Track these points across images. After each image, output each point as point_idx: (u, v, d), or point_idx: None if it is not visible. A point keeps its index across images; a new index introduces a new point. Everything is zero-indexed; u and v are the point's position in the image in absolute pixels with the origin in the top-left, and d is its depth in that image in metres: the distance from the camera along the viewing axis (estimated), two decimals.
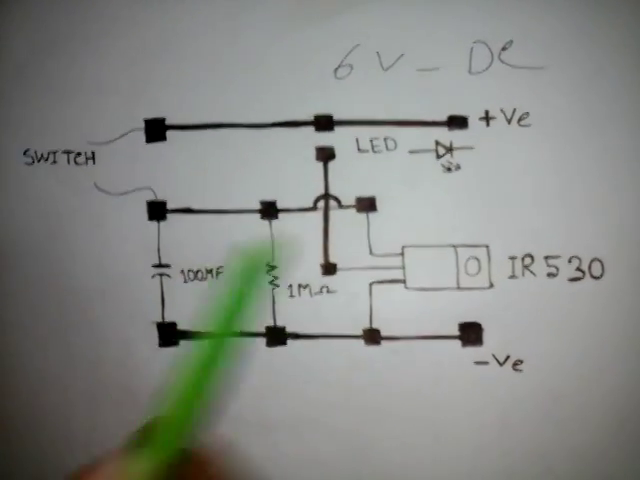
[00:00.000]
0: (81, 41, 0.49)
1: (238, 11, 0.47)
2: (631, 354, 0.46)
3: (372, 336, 0.48)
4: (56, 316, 0.51)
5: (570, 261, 0.46)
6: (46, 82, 0.49)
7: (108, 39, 0.49)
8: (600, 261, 0.46)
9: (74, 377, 0.51)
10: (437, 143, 0.47)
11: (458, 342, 0.48)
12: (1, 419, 0.52)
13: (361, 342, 0.48)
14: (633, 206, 0.46)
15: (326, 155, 0.47)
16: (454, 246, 0.47)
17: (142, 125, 0.49)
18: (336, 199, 0.48)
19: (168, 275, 0.50)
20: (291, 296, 0.49)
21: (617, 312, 0.46)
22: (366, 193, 0.48)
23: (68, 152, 0.50)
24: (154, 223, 0.50)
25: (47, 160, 0.50)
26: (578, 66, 0.45)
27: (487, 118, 0.46)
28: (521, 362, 0.47)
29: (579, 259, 0.46)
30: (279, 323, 0.49)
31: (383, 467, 0.49)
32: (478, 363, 0.48)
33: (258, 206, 0.49)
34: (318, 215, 0.48)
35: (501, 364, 0.47)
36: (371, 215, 0.48)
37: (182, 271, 0.50)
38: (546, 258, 0.46)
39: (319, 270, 0.48)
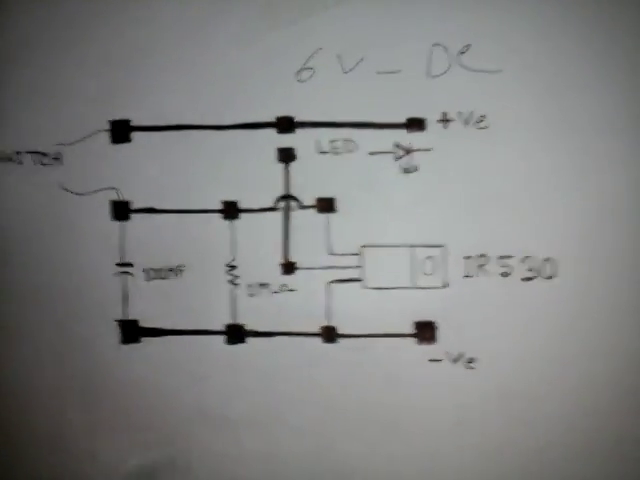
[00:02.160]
0: (50, 46, 0.47)
1: (204, 16, 0.45)
2: (582, 353, 0.44)
3: (329, 334, 0.46)
4: (22, 313, 0.48)
5: (523, 261, 0.44)
6: (14, 85, 0.47)
7: (77, 45, 0.47)
8: (552, 261, 0.44)
9: (40, 372, 0.49)
10: (396, 145, 0.45)
11: (413, 340, 0.45)
12: None
13: (319, 340, 0.46)
14: (584, 208, 0.44)
15: (287, 156, 0.46)
16: (411, 246, 0.45)
17: (108, 126, 0.47)
18: (296, 199, 0.46)
19: (131, 274, 0.47)
20: (251, 295, 0.46)
21: (568, 311, 0.44)
22: (326, 194, 0.46)
23: (33, 152, 0.47)
24: (117, 223, 0.47)
25: (12, 160, 0.47)
26: (534, 70, 0.44)
27: (445, 120, 0.44)
28: (473, 360, 0.45)
29: (532, 259, 0.44)
30: (239, 321, 0.47)
31: (341, 461, 0.47)
32: (432, 360, 0.45)
33: (220, 206, 0.46)
34: (278, 215, 0.46)
35: (454, 362, 0.45)
36: (330, 215, 0.46)
37: (144, 270, 0.47)
38: (500, 258, 0.44)
39: (279, 269, 0.46)
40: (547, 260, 0.44)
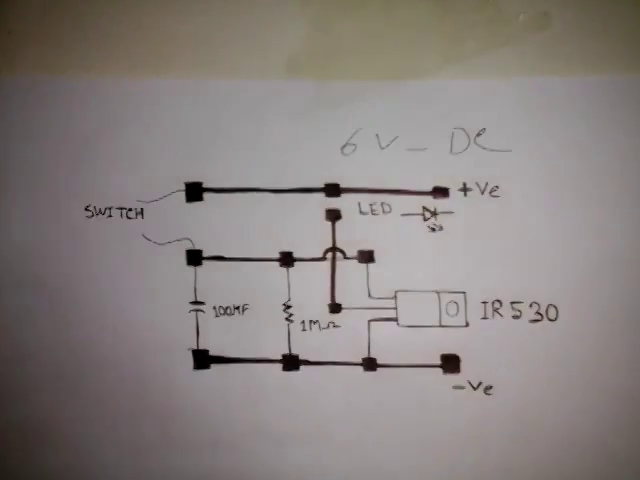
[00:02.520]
0: (134, 122, 0.51)
1: (264, 97, 0.50)
2: (580, 383, 0.48)
3: (370, 364, 0.49)
4: (109, 344, 0.52)
5: (531, 306, 0.48)
6: (104, 153, 0.51)
7: (156, 120, 0.50)
8: (555, 306, 0.48)
9: (123, 394, 0.53)
10: (424, 208, 0.48)
11: (440, 370, 0.49)
12: (54, 429, 0.53)
13: (360, 369, 0.50)
14: (582, 263, 0.48)
15: (334, 216, 0.49)
16: (437, 292, 0.49)
17: (183, 187, 0.50)
18: (341, 251, 0.49)
19: (202, 310, 0.50)
20: (303, 330, 0.50)
21: (569, 348, 0.48)
22: (366, 247, 0.49)
23: (121, 208, 0.51)
24: (192, 268, 0.50)
25: (104, 214, 0.51)
26: (538, 149, 0.48)
27: (465, 189, 0.48)
28: (491, 387, 0.49)
29: (538, 304, 0.48)
30: (294, 352, 0.50)
31: (374, 474, 0.50)
32: (456, 387, 0.49)
33: (278, 256, 0.50)
34: (327, 264, 0.49)
35: (475, 389, 0.49)
36: (370, 265, 0.49)
37: (214, 307, 0.50)
38: (512, 303, 0.48)
39: (327, 309, 0.49)
40: (551, 305, 0.48)
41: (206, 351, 0.51)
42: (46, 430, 0.53)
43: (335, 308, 0.49)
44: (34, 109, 0.52)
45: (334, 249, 0.49)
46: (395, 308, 0.49)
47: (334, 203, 0.49)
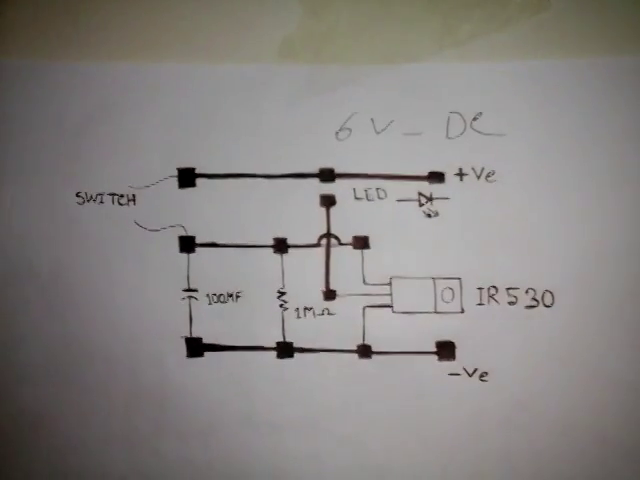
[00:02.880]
0: (126, 107, 0.50)
1: (258, 83, 0.49)
2: (577, 369, 0.48)
3: (365, 351, 0.49)
4: (102, 333, 0.52)
5: (527, 292, 0.48)
6: (97, 139, 0.51)
7: (148, 106, 0.50)
8: (551, 292, 0.48)
9: (116, 383, 0.52)
10: (419, 194, 0.48)
11: (435, 357, 0.49)
12: (50, 420, 0.53)
13: (355, 356, 0.50)
14: (579, 249, 0.48)
15: (328, 202, 0.49)
16: (433, 278, 0.48)
17: (176, 173, 0.50)
18: (336, 238, 0.49)
19: (196, 298, 0.50)
20: (298, 317, 0.50)
21: (565, 334, 0.48)
22: (361, 233, 0.49)
23: (113, 194, 0.51)
24: (184, 255, 0.50)
25: (95, 200, 0.51)
26: (533, 133, 0.48)
27: (461, 174, 0.48)
28: (486, 374, 0.49)
29: (534, 290, 0.48)
30: (288, 339, 0.50)
31: (371, 462, 0.50)
32: (451, 374, 0.49)
33: (272, 242, 0.50)
34: (321, 250, 0.49)
35: (470, 375, 0.49)
36: (365, 251, 0.49)
37: (207, 295, 0.50)
38: (507, 289, 0.48)
39: (321, 296, 0.49)
40: (547, 291, 0.47)
41: (199, 339, 0.51)
42: (38, 420, 0.53)
43: (330, 295, 0.49)
44: (26, 94, 0.51)
45: (329, 235, 0.49)
46: (390, 294, 0.49)
47: (329, 189, 0.49)
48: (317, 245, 0.50)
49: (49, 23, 0.51)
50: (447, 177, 0.48)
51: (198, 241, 0.50)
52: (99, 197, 0.51)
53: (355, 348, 0.49)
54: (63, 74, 0.51)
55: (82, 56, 0.51)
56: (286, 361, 0.50)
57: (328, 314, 0.49)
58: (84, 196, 0.51)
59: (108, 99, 0.50)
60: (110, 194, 0.51)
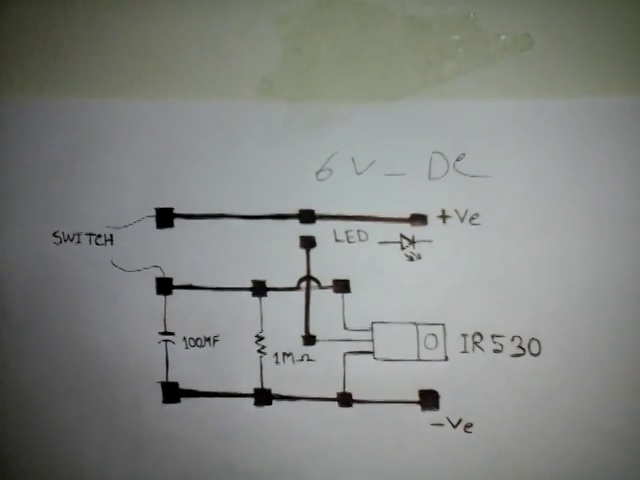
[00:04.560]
0: (103, 145, 0.49)
1: (237, 122, 0.48)
2: (564, 418, 0.47)
3: (345, 399, 0.48)
4: (73, 374, 0.51)
5: (513, 340, 0.47)
6: (73, 177, 0.50)
7: (126, 143, 0.49)
8: (537, 341, 0.47)
9: (88, 428, 0.51)
10: (402, 236, 0.47)
11: (418, 406, 0.48)
12: (20, 466, 0.52)
13: (335, 404, 0.49)
14: (566, 295, 0.46)
15: (308, 243, 0.48)
16: (415, 324, 0.47)
17: (154, 213, 0.49)
18: (316, 280, 0.48)
19: (172, 342, 0.50)
20: (277, 362, 0.49)
21: (552, 383, 0.47)
22: (341, 276, 0.48)
23: (90, 234, 0.50)
24: (161, 297, 0.50)
25: (72, 240, 0.50)
26: (518, 175, 0.46)
27: (444, 216, 0.47)
28: (471, 425, 0.48)
29: (520, 338, 0.47)
30: (266, 385, 0.49)
31: None
32: (434, 425, 0.48)
33: (250, 284, 0.49)
34: (301, 294, 0.48)
35: (454, 426, 0.48)
36: (345, 295, 0.48)
37: (184, 338, 0.50)
38: (492, 337, 0.47)
39: (301, 341, 0.48)
40: (533, 339, 0.46)
41: (176, 384, 0.50)
42: (7, 463, 0.52)
43: (309, 340, 0.48)
44: (1, 131, 0.50)
45: (308, 278, 0.48)
46: (371, 340, 0.48)
47: (309, 230, 0.48)
48: (297, 288, 0.48)
49: (26, 60, 0.50)
50: (430, 219, 0.47)
51: (175, 283, 0.49)
52: (76, 237, 0.50)
53: (335, 396, 0.48)
54: (39, 110, 0.50)
55: (58, 92, 0.50)
56: (264, 409, 0.49)
57: (308, 360, 0.48)
58: (61, 235, 0.50)
59: (85, 137, 0.50)
60: (87, 234, 0.50)
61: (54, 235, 0.50)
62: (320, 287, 0.48)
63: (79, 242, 0.50)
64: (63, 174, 0.50)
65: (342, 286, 0.48)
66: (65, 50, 0.50)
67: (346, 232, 0.47)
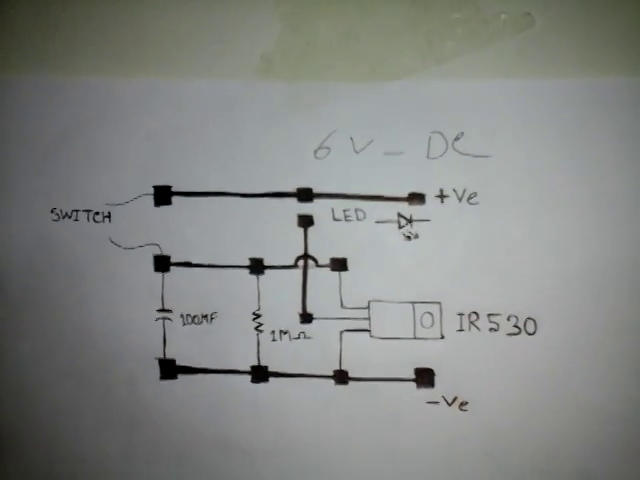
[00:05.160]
0: (102, 123, 0.49)
1: (236, 101, 0.48)
2: (559, 398, 0.47)
3: (341, 377, 0.48)
4: (73, 351, 0.51)
5: (509, 319, 0.47)
6: (71, 155, 0.50)
7: (124, 122, 0.49)
8: (533, 320, 0.46)
9: (87, 404, 0.51)
10: (399, 215, 0.47)
11: (413, 384, 0.48)
12: (17, 442, 0.52)
13: (331, 382, 0.49)
14: (562, 275, 0.46)
15: (306, 222, 0.48)
16: (412, 302, 0.47)
17: (152, 191, 0.49)
18: (314, 259, 0.48)
19: (170, 319, 0.50)
20: (273, 340, 0.49)
21: (547, 362, 0.47)
22: (339, 255, 0.48)
23: (88, 211, 0.50)
24: (159, 274, 0.49)
25: (70, 217, 0.50)
26: (516, 155, 0.46)
27: (442, 196, 0.47)
28: (466, 403, 0.48)
29: (516, 317, 0.47)
30: (262, 363, 0.49)
31: None
32: (430, 403, 0.48)
33: (248, 262, 0.49)
34: (298, 272, 0.48)
35: (449, 404, 0.48)
36: (343, 273, 0.48)
37: (182, 315, 0.49)
38: (489, 315, 0.47)
39: (298, 319, 0.48)
40: (529, 319, 0.46)
41: (173, 361, 0.50)
42: (6, 439, 0.53)
43: (306, 318, 0.48)
44: (1, 109, 0.50)
45: (306, 256, 0.48)
46: (368, 319, 0.47)
47: (307, 209, 0.48)
48: (294, 266, 0.48)
49: (25, 38, 0.50)
50: (427, 198, 0.47)
51: (173, 260, 0.49)
52: (74, 214, 0.50)
53: (331, 373, 0.48)
54: (38, 88, 0.50)
55: (58, 70, 0.50)
56: (261, 385, 0.49)
57: (304, 338, 0.48)
58: (59, 213, 0.50)
59: (84, 115, 0.49)
60: (85, 211, 0.50)
61: (52, 212, 0.50)
62: (317, 265, 0.48)
63: (77, 219, 0.50)
64: (62, 152, 0.50)
65: (339, 264, 0.48)
66: (65, 29, 0.49)
67: (344, 211, 0.47)
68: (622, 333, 0.46)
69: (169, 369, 0.50)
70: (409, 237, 0.47)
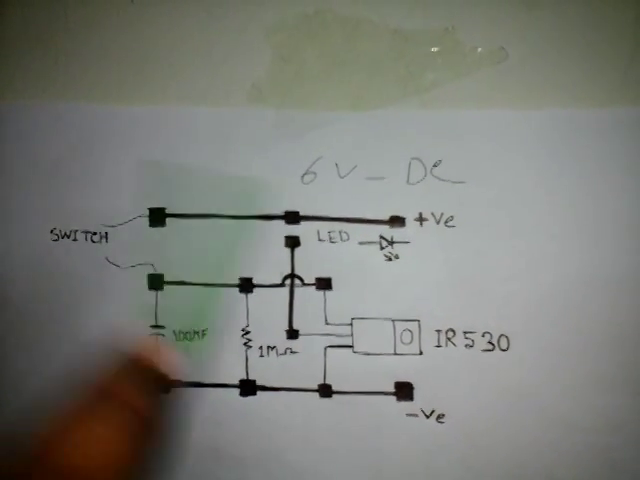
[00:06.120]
0: (100, 148, 0.51)
1: (227, 128, 0.50)
2: (529, 410, 0.48)
3: (325, 390, 0.49)
4: (70, 365, 0.50)
5: (483, 335, 0.48)
6: (71, 178, 0.51)
7: (121, 146, 0.50)
8: (506, 337, 0.48)
9: None
10: (381, 237, 0.49)
11: (394, 397, 0.49)
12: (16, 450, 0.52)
13: (316, 395, 0.50)
14: (533, 294, 0.48)
15: (293, 243, 0.49)
16: (392, 320, 0.49)
17: (147, 212, 0.50)
18: (300, 278, 0.49)
19: (163, 334, 0.50)
20: (261, 355, 0.50)
21: (519, 377, 0.48)
22: (324, 274, 0.49)
23: (86, 232, 0.51)
24: (153, 292, 0.50)
25: (69, 237, 0.51)
26: (491, 181, 0.48)
27: (421, 219, 0.48)
28: (443, 415, 0.49)
29: (490, 334, 0.48)
30: (251, 377, 0.50)
31: None
32: (409, 415, 0.49)
33: (237, 281, 0.50)
34: (285, 290, 0.49)
35: (427, 416, 0.49)
36: (327, 292, 0.49)
37: (174, 331, 0.50)
38: (465, 332, 0.48)
39: (284, 335, 0.49)
40: (503, 336, 0.48)
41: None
42: (6, 446, 0.52)
43: (292, 334, 0.49)
44: (1, 134, 0.52)
45: (293, 276, 0.49)
46: (351, 335, 0.49)
47: (293, 230, 0.49)
48: (281, 285, 0.50)
49: (27, 65, 0.52)
50: (407, 221, 0.48)
51: (167, 279, 0.50)
52: (73, 234, 0.51)
53: (316, 387, 0.49)
54: (37, 114, 0.51)
55: (58, 97, 0.51)
56: (249, 398, 0.51)
57: (291, 353, 0.50)
58: (59, 233, 0.52)
59: (82, 139, 0.51)
60: (84, 231, 0.51)
61: (52, 232, 0.51)
62: (303, 284, 0.49)
63: (75, 239, 0.51)
64: (61, 175, 0.51)
65: (324, 284, 0.49)
66: (65, 56, 0.51)
67: (329, 232, 0.49)
68: (589, 349, 0.48)
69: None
70: (390, 258, 0.49)
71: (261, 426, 0.50)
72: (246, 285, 0.50)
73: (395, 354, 0.48)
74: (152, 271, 0.50)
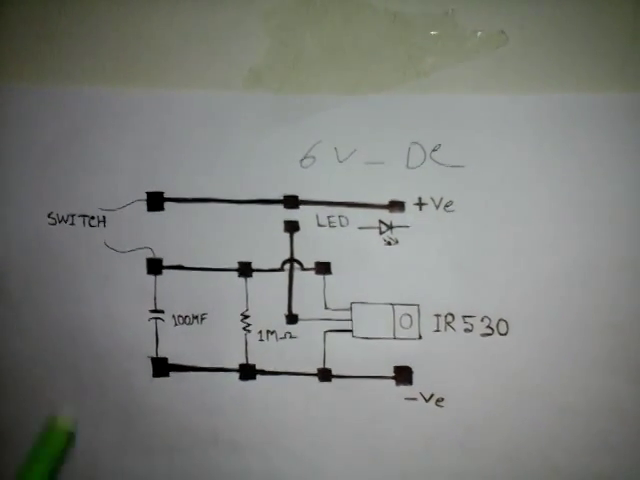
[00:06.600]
0: (96, 131, 0.50)
1: (226, 112, 0.49)
2: (528, 394, 0.49)
3: (325, 374, 0.50)
4: (68, 350, 0.52)
5: (482, 320, 0.48)
6: (68, 162, 0.51)
7: (119, 130, 0.50)
8: (505, 321, 0.48)
9: (81, 400, 0.53)
10: (380, 222, 0.49)
11: (393, 381, 0.49)
12: (15, 437, 0.54)
13: (316, 379, 0.50)
14: (533, 279, 0.48)
15: (292, 227, 0.49)
16: (392, 304, 0.49)
17: (145, 197, 0.50)
18: (299, 263, 0.49)
19: (162, 319, 0.51)
20: (261, 340, 0.50)
21: (517, 361, 0.48)
22: (323, 259, 0.49)
23: (84, 216, 0.51)
24: (152, 276, 0.51)
25: (66, 222, 0.51)
26: (491, 166, 0.48)
27: (420, 204, 0.48)
28: (442, 399, 0.49)
29: (489, 319, 0.48)
30: (250, 361, 0.51)
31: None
32: (408, 399, 0.49)
33: (236, 266, 0.50)
34: (284, 275, 0.50)
35: (426, 400, 0.49)
36: (327, 277, 0.49)
37: (173, 316, 0.51)
38: (464, 317, 0.48)
39: (284, 319, 0.50)
40: (502, 320, 0.48)
41: (165, 359, 0.51)
42: (5, 435, 0.54)
43: (292, 319, 0.49)
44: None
45: (292, 260, 0.49)
46: (350, 320, 0.48)
47: (292, 215, 0.48)
48: (280, 270, 0.50)
49: (22, 48, 0.51)
50: (407, 206, 0.48)
51: (165, 263, 0.50)
52: (70, 218, 0.51)
53: (315, 371, 0.49)
54: (34, 97, 0.51)
55: (54, 81, 0.51)
56: (248, 383, 0.51)
57: (290, 337, 0.50)
58: (56, 217, 0.51)
59: (80, 123, 0.50)
60: (81, 215, 0.51)
61: (49, 216, 0.51)
62: (303, 269, 0.49)
63: (73, 224, 0.50)
64: (58, 159, 0.51)
65: (323, 268, 0.48)
66: (60, 39, 0.50)
67: (328, 217, 0.48)
68: (588, 333, 0.48)
69: (161, 367, 0.51)
70: (389, 242, 0.48)
71: (260, 410, 0.51)
72: (245, 269, 0.50)
73: (394, 338, 0.48)
74: (151, 255, 0.50)
